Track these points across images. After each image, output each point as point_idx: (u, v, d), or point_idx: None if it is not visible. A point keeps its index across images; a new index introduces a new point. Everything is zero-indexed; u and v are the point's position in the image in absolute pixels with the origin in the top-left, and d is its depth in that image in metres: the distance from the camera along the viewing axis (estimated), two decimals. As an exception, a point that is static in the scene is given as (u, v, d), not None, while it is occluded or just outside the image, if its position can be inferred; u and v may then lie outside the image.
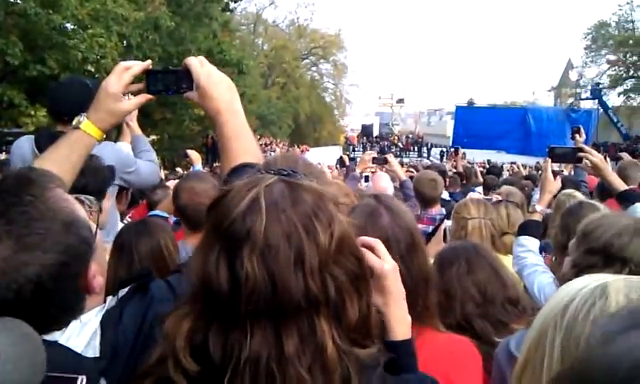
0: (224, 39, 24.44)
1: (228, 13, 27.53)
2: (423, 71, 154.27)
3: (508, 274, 2.00)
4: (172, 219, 3.50)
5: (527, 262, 2.47)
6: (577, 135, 4.29)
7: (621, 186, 2.66)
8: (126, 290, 1.13)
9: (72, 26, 14.99)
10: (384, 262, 1.08)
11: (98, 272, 1.01)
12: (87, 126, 1.41)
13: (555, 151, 2.98)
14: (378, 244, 1.10)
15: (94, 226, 1.02)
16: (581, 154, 2.79)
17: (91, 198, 1.17)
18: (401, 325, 1.09)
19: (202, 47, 21.29)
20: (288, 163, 1.21)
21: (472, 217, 2.85)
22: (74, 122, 1.43)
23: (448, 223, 3.05)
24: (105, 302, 1.13)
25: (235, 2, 27.86)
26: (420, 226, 3.85)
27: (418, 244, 1.40)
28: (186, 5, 21.59)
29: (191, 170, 4.61)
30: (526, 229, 2.68)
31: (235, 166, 1.32)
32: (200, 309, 0.87)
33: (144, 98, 1.48)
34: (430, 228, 3.69)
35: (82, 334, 1.03)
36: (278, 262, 0.81)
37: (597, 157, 2.74)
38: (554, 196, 3.05)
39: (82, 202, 1.06)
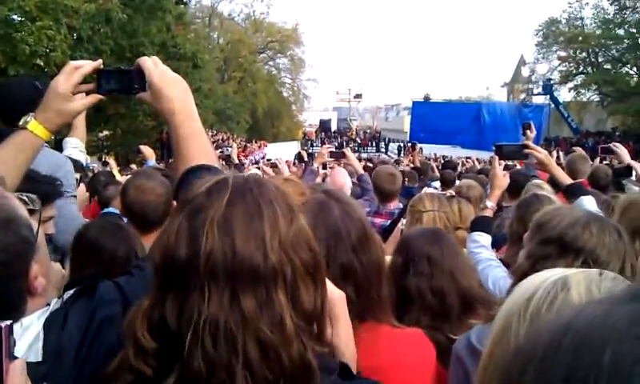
0: (178, 32, 24.06)
1: (182, 5, 27.16)
2: (380, 67, 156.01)
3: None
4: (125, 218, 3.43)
5: (481, 256, 2.54)
6: (527, 131, 4.41)
7: (566, 180, 2.76)
8: (72, 291, 1.08)
9: (19, 18, 14.47)
10: (333, 292, 1.08)
11: (40, 273, 0.96)
12: (34, 126, 1.36)
13: (502, 149, 3.04)
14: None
15: (35, 225, 0.97)
16: (526, 151, 2.87)
17: (33, 196, 1.11)
18: (347, 351, 1.09)
19: (156, 40, 20.91)
20: None
21: (427, 210, 2.88)
22: (20, 122, 1.38)
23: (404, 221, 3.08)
24: (48, 304, 1.08)
25: (189, -5, 27.47)
26: (378, 220, 3.90)
27: (369, 235, 1.40)
28: (138, -3, 21.13)
29: (145, 165, 4.51)
30: (478, 225, 2.75)
31: (190, 168, 1.30)
32: (159, 283, 0.87)
33: (94, 98, 1.44)
34: (389, 222, 3.73)
35: (23, 338, 0.98)
36: (239, 233, 0.84)
37: (542, 153, 2.82)
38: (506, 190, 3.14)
39: (23, 201, 1.00)
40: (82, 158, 3.14)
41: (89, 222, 2.29)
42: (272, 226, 0.87)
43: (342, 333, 1.09)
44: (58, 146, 2.93)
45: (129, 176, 3.90)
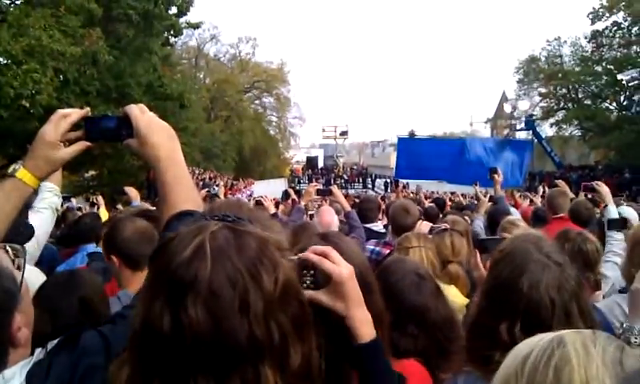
0: (165, 73, 24.21)
1: (168, 47, 27.38)
2: (366, 104, 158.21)
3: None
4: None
5: None
6: (495, 175, 4.45)
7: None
8: (55, 341, 1.07)
9: (5, 62, 14.47)
10: (340, 267, 1.11)
11: (23, 324, 0.96)
12: (23, 174, 1.37)
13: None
14: (330, 251, 1.14)
15: (19, 276, 0.97)
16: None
17: (17, 246, 1.11)
18: (365, 326, 1.14)
19: (142, 81, 21.01)
20: (232, 209, 1.20)
21: (413, 246, 2.91)
22: (9, 170, 1.40)
23: None
24: (32, 354, 1.07)
25: (175, 37, 27.76)
26: (387, 250, 3.89)
27: (369, 285, 1.37)
28: (125, 39, 21.32)
29: (130, 206, 4.50)
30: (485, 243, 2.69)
31: (175, 214, 1.31)
32: (139, 357, 0.85)
33: (82, 145, 1.45)
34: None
35: (5, 392, 0.96)
36: (223, 309, 0.81)
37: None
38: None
39: (5, 251, 1.00)
40: (58, 202, 3.15)
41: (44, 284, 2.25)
42: (256, 292, 0.83)
43: (355, 310, 1.13)
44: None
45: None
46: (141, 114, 1.41)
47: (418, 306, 1.91)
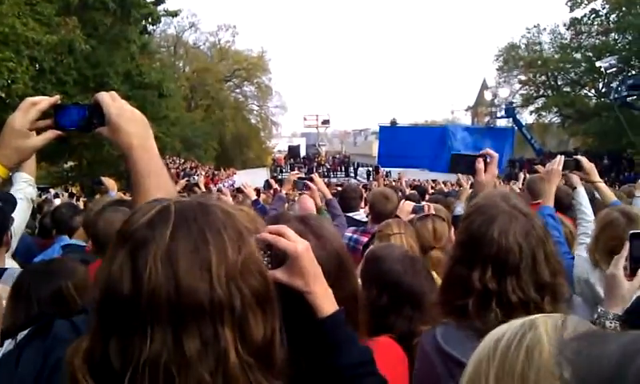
0: (143, 62, 23.93)
1: (146, 35, 27.04)
2: (347, 92, 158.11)
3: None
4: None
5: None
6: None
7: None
8: (26, 332, 1.04)
9: (-22, 51, 14.17)
10: (297, 243, 1.14)
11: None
12: None
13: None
14: (286, 229, 1.17)
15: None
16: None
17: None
18: (325, 300, 1.16)
19: (120, 70, 20.77)
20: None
21: (394, 232, 2.91)
22: None
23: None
24: (1, 346, 1.04)
25: (153, 25, 27.43)
26: (365, 238, 3.88)
27: (345, 267, 1.40)
28: (103, 27, 21.03)
29: (106, 196, 4.44)
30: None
31: (147, 202, 1.29)
32: (99, 322, 0.84)
33: (52, 133, 1.41)
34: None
35: (-28, 383, 0.94)
36: (184, 266, 0.82)
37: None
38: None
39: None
40: (33, 192, 3.11)
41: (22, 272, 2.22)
42: (219, 255, 0.84)
43: (314, 285, 1.15)
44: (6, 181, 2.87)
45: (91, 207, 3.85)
46: (112, 102, 1.38)
47: (416, 289, 2.01)
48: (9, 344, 1.03)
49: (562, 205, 4.48)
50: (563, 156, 3.21)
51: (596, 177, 3.44)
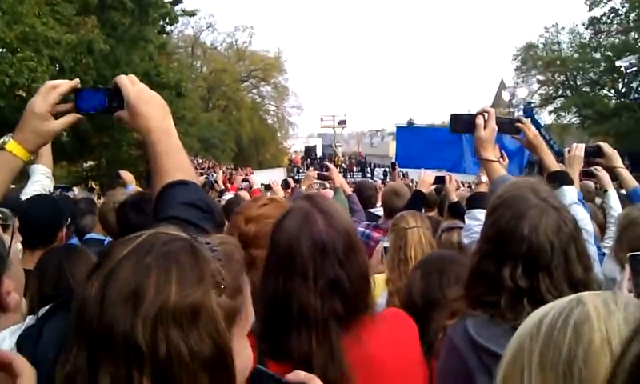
0: (161, 62, 24.14)
1: (164, 35, 27.29)
2: (364, 92, 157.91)
3: None
4: (106, 241, 3.55)
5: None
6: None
7: (552, 165, 2.61)
8: (47, 307, 1.05)
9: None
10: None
11: (12, 288, 0.93)
12: (13, 146, 1.34)
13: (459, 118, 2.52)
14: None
15: (8, 240, 0.94)
16: (518, 125, 2.60)
17: (6, 210, 1.09)
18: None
19: (139, 70, 20.95)
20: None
21: (410, 226, 2.87)
22: None
23: (385, 244, 3.05)
24: (24, 321, 1.05)
25: (171, 25, 27.70)
26: (377, 234, 3.86)
27: (354, 245, 1.40)
28: (121, 27, 21.24)
29: (125, 190, 4.47)
30: (476, 201, 2.65)
31: (167, 183, 1.28)
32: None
33: (72, 117, 1.42)
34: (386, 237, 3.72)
35: (-6, 355, 0.94)
36: (113, 293, 0.75)
37: (532, 131, 2.58)
38: None
39: (-6, 215, 0.98)
40: (50, 184, 3.17)
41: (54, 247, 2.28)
42: (155, 293, 0.74)
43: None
44: (23, 174, 2.92)
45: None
46: (131, 85, 1.39)
47: None
48: (30, 319, 1.04)
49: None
50: (583, 144, 3.10)
51: (618, 162, 3.36)
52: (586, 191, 4.68)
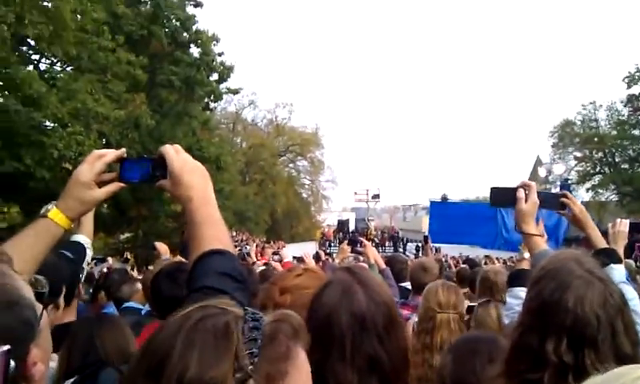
0: (203, 137, 24.89)
1: (208, 112, 28.30)
2: (398, 167, 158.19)
3: None
4: (144, 310, 3.62)
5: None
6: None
7: (600, 242, 2.53)
8: (72, 379, 1.06)
9: (51, 124, 15.07)
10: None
11: (39, 358, 0.94)
12: (55, 214, 1.35)
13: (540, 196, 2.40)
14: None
15: (39, 308, 0.97)
16: (564, 200, 2.53)
17: (40, 278, 1.13)
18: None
19: (182, 144, 21.49)
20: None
21: (442, 311, 2.76)
22: (42, 210, 1.38)
23: (415, 319, 2.96)
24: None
25: (215, 102, 28.76)
26: (406, 312, 3.78)
27: (395, 320, 1.36)
28: (167, 104, 22.18)
29: (161, 260, 4.54)
30: (518, 279, 2.57)
31: (203, 252, 1.27)
32: None
33: (116, 186, 1.44)
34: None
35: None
36: (145, 358, 0.79)
37: (578, 206, 2.51)
38: None
39: (30, 283, 1.02)
40: (90, 254, 3.22)
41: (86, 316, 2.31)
42: (175, 365, 0.76)
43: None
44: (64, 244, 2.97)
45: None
46: (175, 155, 1.41)
47: None
48: (56, 390, 1.05)
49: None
50: (628, 220, 3.00)
51: None
52: (627, 269, 4.51)
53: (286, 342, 0.84)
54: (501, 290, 3.27)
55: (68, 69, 17.62)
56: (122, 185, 1.45)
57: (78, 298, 2.92)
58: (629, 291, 2.11)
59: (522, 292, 2.39)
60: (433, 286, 2.97)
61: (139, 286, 4.65)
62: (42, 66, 17.67)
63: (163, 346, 0.77)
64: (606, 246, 2.56)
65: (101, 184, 1.42)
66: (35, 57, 17.47)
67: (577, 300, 1.38)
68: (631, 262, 4.92)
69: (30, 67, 16.03)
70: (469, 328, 3.08)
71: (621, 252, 2.79)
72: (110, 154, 1.43)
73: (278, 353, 0.82)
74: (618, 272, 2.30)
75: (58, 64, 17.96)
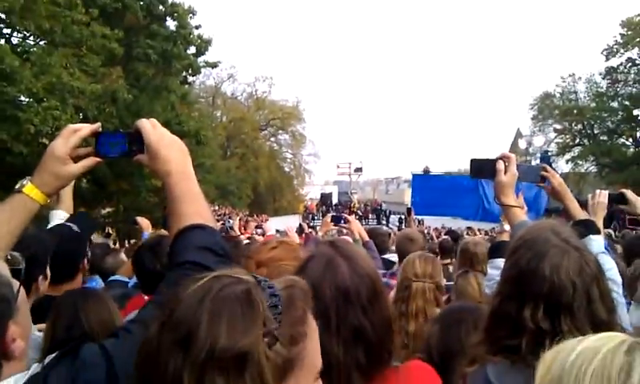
0: (182, 111, 24.61)
1: (186, 86, 27.91)
2: (380, 140, 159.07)
3: None
4: (131, 283, 3.61)
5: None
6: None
7: (578, 213, 2.58)
8: (53, 355, 1.03)
9: (26, 99, 14.78)
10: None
11: (18, 335, 0.92)
12: (30, 189, 1.33)
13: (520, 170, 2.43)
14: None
15: (16, 285, 0.94)
16: (544, 173, 2.58)
17: (16, 254, 1.09)
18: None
19: (160, 119, 21.20)
20: None
21: (417, 280, 2.80)
22: (17, 186, 1.35)
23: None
24: (28, 369, 1.03)
25: (193, 76, 28.35)
26: (394, 281, 3.81)
27: (378, 293, 1.37)
28: (144, 78, 21.81)
29: (142, 237, 4.51)
30: (498, 250, 2.61)
31: (185, 227, 1.26)
32: None
33: (92, 160, 1.41)
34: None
35: (-3, 405, 0.93)
36: (169, 332, 0.78)
37: (557, 179, 2.57)
38: None
39: (5, 259, 0.98)
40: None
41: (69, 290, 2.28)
42: (205, 337, 0.76)
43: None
44: (43, 220, 2.90)
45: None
46: (152, 129, 1.39)
47: None
48: (35, 367, 1.02)
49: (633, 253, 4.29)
50: (607, 191, 3.03)
51: None
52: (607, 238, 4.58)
53: (302, 306, 0.88)
54: (481, 260, 3.33)
55: (41, 43, 17.16)
56: (98, 159, 1.43)
57: (83, 272, 2.90)
58: (607, 261, 2.16)
59: (502, 263, 2.40)
60: (411, 256, 3.02)
61: (124, 256, 4.63)
62: (15, 40, 17.19)
63: (187, 317, 0.77)
64: (585, 217, 2.60)
65: (77, 159, 1.40)
66: (7, 31, 16.97)
67: (553, 268, 1.41)
68: (610, 231, 5.00)
69: (2, 41, 15.57)
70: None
71: (600, 223, 2.83)
72: (85, 129, 1.40)
73: (296, 317, 0.85)
74: (596, 243, 2.33)
75: (31, 38, 17.48)
